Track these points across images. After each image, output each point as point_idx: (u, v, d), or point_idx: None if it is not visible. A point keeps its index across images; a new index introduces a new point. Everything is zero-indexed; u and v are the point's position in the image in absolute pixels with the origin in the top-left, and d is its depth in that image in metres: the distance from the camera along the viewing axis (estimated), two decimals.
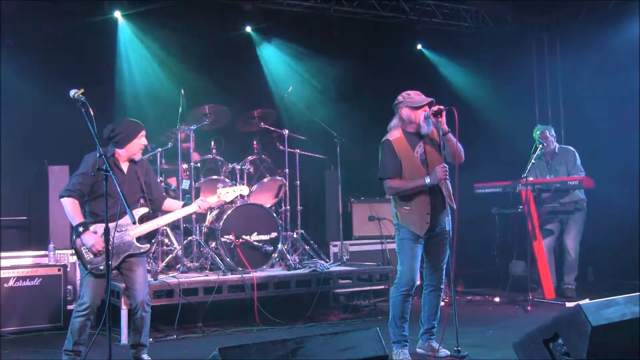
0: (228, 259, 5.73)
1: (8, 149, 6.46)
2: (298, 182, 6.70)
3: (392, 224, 4.47)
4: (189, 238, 6.05)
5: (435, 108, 4.19)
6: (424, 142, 4.31)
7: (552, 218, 6.72)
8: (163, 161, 6.39)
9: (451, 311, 4.20)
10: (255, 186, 6.38)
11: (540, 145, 6.63)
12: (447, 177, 4.17)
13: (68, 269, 5.69)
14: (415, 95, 4.29)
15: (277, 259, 6.11)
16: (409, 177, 4.23)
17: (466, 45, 8.60)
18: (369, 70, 8.43)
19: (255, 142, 6.69)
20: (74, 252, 4.09)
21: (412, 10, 8.11)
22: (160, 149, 6.25)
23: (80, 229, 3.96)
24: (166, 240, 6.06)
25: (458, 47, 8.64)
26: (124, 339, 4.95)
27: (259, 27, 8.11)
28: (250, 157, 6.54)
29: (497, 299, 6.52)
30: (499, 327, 5.33)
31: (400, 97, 4.32)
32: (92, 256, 3.97)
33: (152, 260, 5.76)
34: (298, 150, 6.74)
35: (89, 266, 3.97)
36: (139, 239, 4.14)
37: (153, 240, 5.88)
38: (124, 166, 4.21)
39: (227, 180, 6.25)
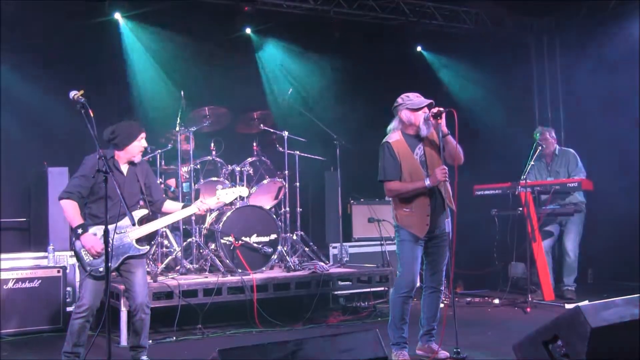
0: (227, 261, 5.72)
1: (8, 151, 6.46)
2: (298, 183, 6.70)
3: (392, 226, 4.48)
4: (189, 240, 6.05)
5: (434, 110, 4.19)
6: (423, 144, 4.31)
7: (551, 220, 6.72)
8: (162, 163, 6.39)
9: (451, 313, 4.19)
10: (254, 188, 6.38)
11: (540, 147, 6.64)
12: (447, 179, 4.17)
13: (67, 271, 5.68)
14: (414, 97, 4.29)
15: (276, 261, 6.11)
16: (408, 179, 4.23)
17: (466, 47, 8.61)
18: (368, 72, 8.44)
19: (254, 144, 6.69)
20: (73, 254, 4.09)
21: (412, 12, 8.12)
22: (159, 151, 6.26)
23: (80, 230, 3.96)
24: (166, 242, 6.06)
25: (458, 49, 8.65)
26: (123, 340, 4.94)
27: (258, 28, 8.12)
28: (249, 158, 6.54)
29: (496, 301, 6.52)
30: (499, 328, 5.33)
31: (399, 99, 4.32)
32: (91, 258, 3.97)
33: (151, 262, 5.76)
34: (298, 152, 6.75)
35: (88, 268, 3.97)
36: (138, 240, 4.14)
37: (152, 242, 5.88)
38: (124, 168, 4.21)
39: (226, 181, 6.25)
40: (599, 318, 2.84)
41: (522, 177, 6.35)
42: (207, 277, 5.57)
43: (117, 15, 7.25)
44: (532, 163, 6.53)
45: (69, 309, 5.44)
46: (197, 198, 5.95)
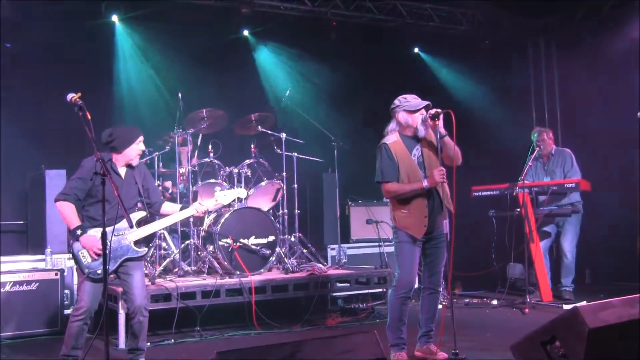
0: (226, 263, 5.72)
1: (5, 153, 6.46)
2: (296, 185, 6.71)
3: (390, 227, 4.48)
4: (187, 242, 6.04)
5: (432, 111, 4.19)
6: (421, 145, 4.32)
7: (549, 220, 6.73)
8: (160, 165, 6.39)
9: (449, 314, 4.19)
10: (252, 190, 6.38)
11: (537, 148, 6.65)
12: (445, 180, 4.17)
13: (65, 274, 5.67)
14: (412, 99, 4.29)
15: (274, 263, 6.10)
16: (406, 180, 4.24)
17: (463, 48, 8.63)
18: (366, 74, 8.45)
19: (252, 146, 6.69)
20: (71, 256, 4.09)
21: (409, 14, 8.13)
22: (157, 153, 6.26)
23: (79, 232, 3.96)
24: (163, 244, 6.06)
25: (455, 51, 8.67)
26: (122, 343, 4.94)
27: (256, 30, 8.13)
28: (247, 160, 6.54)
29: (494, 302, 6.52)
30: (497, 329, 5.33)
31: (397, 101, 4.33)
32: (89, 260, 3.96)
33: (149, 264, 5.75)
34: (296, 154, 6.75)
35: (86, 270, 3.96)
36: (136, 242, 4.14)
37: (150, 244, 5.88)
38: (122, 171, 4.21)
39: (224, 183, 6.25)
40: (597, 318, 2.84)
41: (519, 178, 6.36)
42: (205, 279, 5.56)
43: (114, 18, 7.25)
44: (529, 164, 6.54)
45: (66, 311, 5.43)
46: (195, 200, 5.96)
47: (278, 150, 6.70)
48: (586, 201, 6.75)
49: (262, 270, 5.90)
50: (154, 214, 4.41)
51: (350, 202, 7.41)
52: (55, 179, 6.09)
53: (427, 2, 8.12)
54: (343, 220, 7.20)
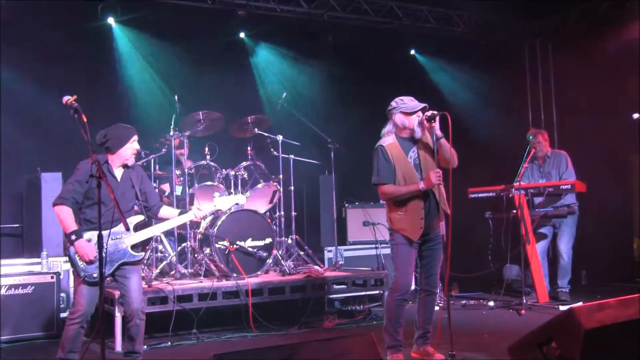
0: (222, 265, 5.71)
1: (1, 156, 6.44)
2: (292, 187, 6.71)
3: (387, 229, 4.48)
4: (183, 244, 6.04)
5: (428, 113, 4.20)
6: (417, 147, 4.33)
7: (545, 222, 6.74)
8: (157, 167, 6.38)
9: (446, 315, 4.20)
10: (249, 192, 6.37)
11: (533, 150, 6.67)
12: (441, 182, 4.18)
13: (61, 277, 5.65)
14: (408, 101, 4.30)
15: (271, 265, 6.10)
16: (402, 182, 4.24)
17: (459, 50, 8.65)
18: (362, 76, 8.46)
19: (249, 148, 6.69)
20: (68, 259, 4.08)
21: (405, 16, 8.14)
22: (154, 155, 6.25)
23: (73, 237, 3.95)
24: (160, 247, 6.05)
25: (451, 52, 8.69)
26: (118, 346, 4.92)
27: (252, 33, 8.13)
28: (244, 163, 6.54)
29: (491, 303, 6.53)
30: (494, 331, 5.33)
31: (393, 103, 4.34)
32: (85, 264, 3.96)
33: (146, 267, 5.74)
34: (292, 156, 6.75)
35: (82, 274, 3.95)
36: (134, 246, 4.13)
37: (147, 248, 5.87)
38: (118, 173, 4.20)
39: (221, 185, 6.24)
40: (593, 319, 2.85)
41: (515, 180, 6.37)
42: (201, 282, 5.55)
43: (111, 20, 7.25)
44: (525, 165, 6.56)
45: (62, 315, 5.41)
46: (191, 203, 5.96)
47: (274, 153, 6.70)
48: (582, 202, 6.77)
49: (258, 273, 5.89)
50: (151, 217, 4.40)
51: (347, 204, 7.41)
52: (51, 182, 6.07)
53: (423, 4, 8.14)
54: (340, 222, 7.20)
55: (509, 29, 8.84)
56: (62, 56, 6.80)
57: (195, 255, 6.00)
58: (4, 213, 6.51)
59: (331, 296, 6.47)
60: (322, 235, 7.42)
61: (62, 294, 5.70)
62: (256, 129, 6.72)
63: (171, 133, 6.17)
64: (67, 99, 3.71)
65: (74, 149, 5.66)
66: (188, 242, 6.00)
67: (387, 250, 6.51)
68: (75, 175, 4.06)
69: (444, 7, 8.31)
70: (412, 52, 9.06)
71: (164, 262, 5.92)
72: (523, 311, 6.03)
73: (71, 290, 5.56)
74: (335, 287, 6.13)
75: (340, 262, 6.72)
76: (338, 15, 7.88)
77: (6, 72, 6.46)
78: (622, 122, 7.35)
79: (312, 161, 6.98)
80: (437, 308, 4.56)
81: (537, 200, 6.65)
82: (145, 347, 4.45)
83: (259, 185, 6.45)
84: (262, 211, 6.39)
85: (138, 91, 7.45)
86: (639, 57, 7.17)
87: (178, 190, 6.21)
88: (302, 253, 6.53)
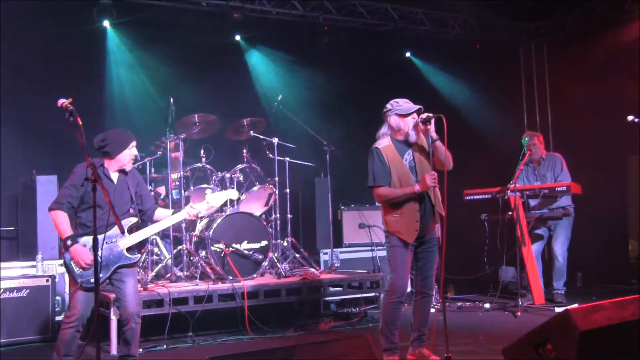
0: (218, 268, 5.71)
1: None
2: (288, 190, 6.70)
3: (383, 231, 4.48)
4: (179, 247, 6.02)
5: (424, 116, 4.21)
6: (412, 150, 4.33)
7: (540, 224, 6.76)
8: (152, 170, 6.37)
9: (441, 317, 4.20)
10: (245, 195, 6.37)
11: (529, 152, 6.68)
12: (436, 184, 4.18)
13: (56, 280, 5.64)
14: (403, 103, 4.31)
15: (267, 268, 6.10)
16: (398, 184, 4.25)
17: (454, 52, 8.67)
18: (357, 78, 8.47)
19: (244, 151, 6.68)
20: (63, 265, 4.06)
21: (401, 18, 8.17)
22: (149, 158, 6.24)
23: (69, 242, 3.93)
24: (156, 250, 6.03)
25: (446, 55, 8.71)
26: (113, 350, 4.91)
27: (248, 35, 8.13)
28: (239, 165, 6.53)
29: (487, 305, 6.54)
30: (489, 332, 5.34)
31: (388, 105, 4.34)
32: (82, 270, 3.94)
33: (141, 270, 5.72)
34: (288, 159, 6.75)
35: (79, 280, 3.93)
36: (129, 249, 4.12)
37: (142, 250, 5.86)
38: (114, 176, 4.19)
39: (217, 188, 6.23)
40: (588, 321, 2.85)
41: (511, 182, 6.39)
42: (197, 285, 5.55)
43: (106, 23, 7.24)
44: (520, 168, 6.58)
45: (58, 318, 5.40)
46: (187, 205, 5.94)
47: (270, 155, 6.69)
48: (577, 204, 6.79)
49: (254, 275, 5.89)
50: (146, 221, 4.39)
51: (342, 207, 7.42)
52: (46, 185, 6.06)
53: (418, 6, 8.16)
54: (335, 224, 7.20)
55: (505, 31, 8.87)
56: (57, 59, 6.78)
57: (191, 258, 5.99)
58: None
59: (327, 298, 6.46)
60: (318, 238, 7.42)
61: (58, 297, 5.68)
62: (252, 132, 6.72)
63: (167, 136, 6.16)
64: (62, 101, 3.70)
65: (70, 152, 5.66)
66: (184, 245, 5.99)
67: (383, 253, 6.53)
68: (70, 179, 4.05)
69: (439, 9, 8.33)
70: (408, 54, 9.07)
71: (160, 265, 5.91)
72: (519, 313, 6.04)
73: (66, 293, 5.55)
74: (331, 289, 6.13)
75: (336, 265, 6.73)
76: (333, 18, 7.89)
77: (2, 74, 6.43)
78: (616, 123, 7.38)
79: (307, 164, 6.98)
80: (432, 310, 4.56)
81: (533, 202, 6.66)
82: (140, 350, 4.44)
83: (255, 188, 6.45)
84: (257, 214, 6.38)
85: (133, 94, 7.44)
86: (638, 58, 7.20)
87: (175, 193, 6.20)
88: (297, 255, 6.52)
